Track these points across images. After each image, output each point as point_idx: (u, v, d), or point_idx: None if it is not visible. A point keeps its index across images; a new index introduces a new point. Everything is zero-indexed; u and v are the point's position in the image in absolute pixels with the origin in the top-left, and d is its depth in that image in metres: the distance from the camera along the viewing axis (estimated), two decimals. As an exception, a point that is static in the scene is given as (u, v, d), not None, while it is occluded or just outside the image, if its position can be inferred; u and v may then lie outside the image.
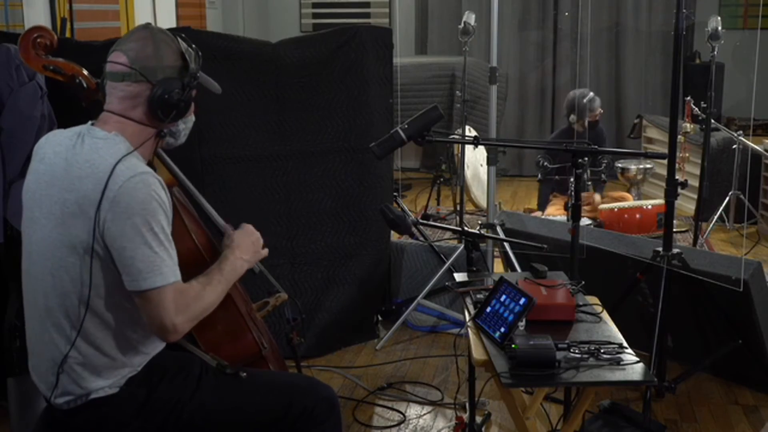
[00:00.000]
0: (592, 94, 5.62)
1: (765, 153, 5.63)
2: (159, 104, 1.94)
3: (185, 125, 2.07)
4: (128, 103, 1.95)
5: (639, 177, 6.09)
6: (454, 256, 4.03)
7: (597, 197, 5.56)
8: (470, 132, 5.58)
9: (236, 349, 2.17)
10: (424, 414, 3.26)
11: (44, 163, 1.94)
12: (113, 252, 1.83)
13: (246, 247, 2.11)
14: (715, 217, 5.47)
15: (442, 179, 6.23)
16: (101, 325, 1.89)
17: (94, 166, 1.86)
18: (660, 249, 3.21)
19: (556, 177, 5.41)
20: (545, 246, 2.84)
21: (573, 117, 5.54)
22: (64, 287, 1.88)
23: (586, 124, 5.55)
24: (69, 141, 1.93)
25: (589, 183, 5.40)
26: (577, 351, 2.09)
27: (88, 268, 1.84)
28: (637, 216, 5.23)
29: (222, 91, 2.20)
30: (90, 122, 1.98)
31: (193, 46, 2.04)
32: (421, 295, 4.00)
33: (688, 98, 5.39)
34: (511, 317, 2.21)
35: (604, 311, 2.41)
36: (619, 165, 6.02)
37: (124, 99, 1.95)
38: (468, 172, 5.74)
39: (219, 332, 2.14)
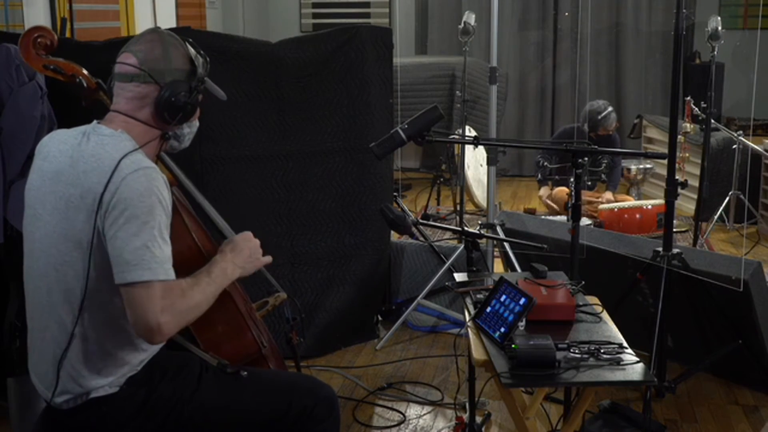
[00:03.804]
0: (609, 110, 5.59)
1: (765, 153, 5.63)
2: (166, 106, 1.95)
3: (190, 129, 2.08)
4: (135, 103, 1.96)
5: (639, 177, 6.10)
6: (454, 256, 4.03)
7: (608, 194, 5.57)
8: (470, 132, 5.58)
9: (236, 348, 2.17)
10: (424, 414, 3.26)
11: (48, 161, 1.94)
12: (106, 242, 1.81)
13: (241, 252, 2.07)
14: (715, 217, 5.47)
15: (442, 179, 6.22)
16: (102, 320, 1.89)
17: (100, 160, 1.86)
18: (660, 249, 3.21)
19: (557, 177, 5.41)
20: (545, 246, 2.84)
21: (587, 127, 5.54)
22: (68, 282, 1.87)
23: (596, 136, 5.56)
24: (74, 139, 1.93)
25: (589, 183, 5.41)
26: (577, 351, 2.09)
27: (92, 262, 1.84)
28: (637, 216, 5.23)
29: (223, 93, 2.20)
30: (95, 121, 1.98)
31: (202, 51, 2.06)
32: (421, 295, 3.99)
33: (688, 98, 5.39)
34: (511, 317, 2.21)
35: (604, 311, 2.41)
36: (619, 165, 6.02)
37: (132, 99, 1.96)
38: (468, 172, 5.74)
39: (219, 331, 2.14)
